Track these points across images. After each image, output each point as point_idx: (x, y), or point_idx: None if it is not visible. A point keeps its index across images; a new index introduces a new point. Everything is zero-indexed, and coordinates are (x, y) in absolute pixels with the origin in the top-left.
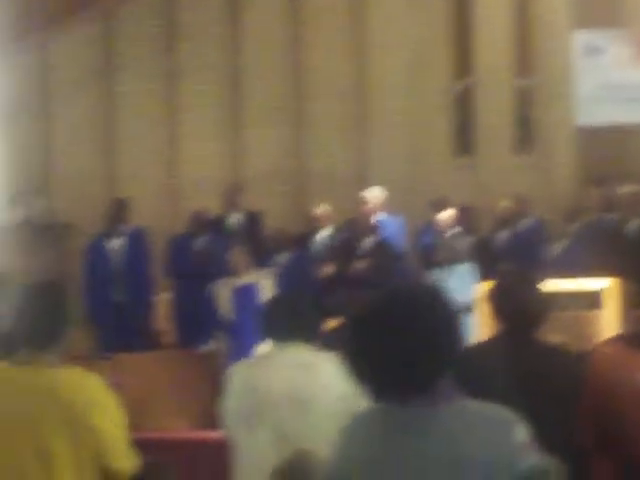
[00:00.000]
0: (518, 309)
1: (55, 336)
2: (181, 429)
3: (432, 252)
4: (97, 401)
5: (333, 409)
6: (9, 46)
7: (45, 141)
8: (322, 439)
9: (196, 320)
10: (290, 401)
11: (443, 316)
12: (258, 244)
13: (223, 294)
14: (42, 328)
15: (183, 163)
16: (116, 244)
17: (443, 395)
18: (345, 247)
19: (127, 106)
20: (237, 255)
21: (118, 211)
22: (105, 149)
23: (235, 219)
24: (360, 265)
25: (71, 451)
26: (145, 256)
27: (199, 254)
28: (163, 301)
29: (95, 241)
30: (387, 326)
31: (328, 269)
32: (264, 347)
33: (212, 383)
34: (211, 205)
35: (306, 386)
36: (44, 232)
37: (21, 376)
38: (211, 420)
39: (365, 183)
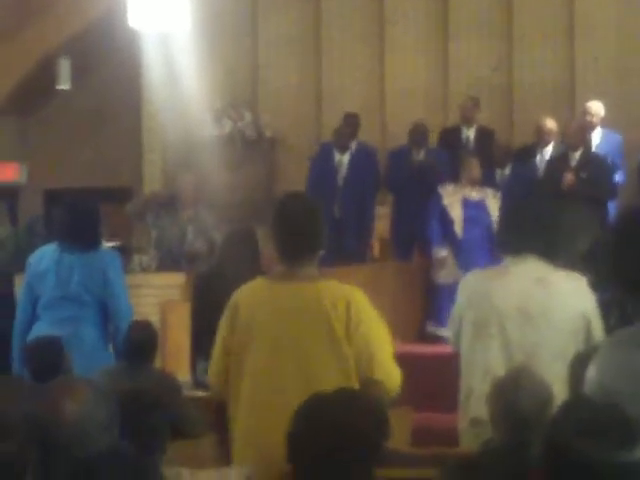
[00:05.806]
0: None
1: (312, 249)
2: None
3: None
4: (362, 314)
5: (566, 326)
6: None
7: (252, 56)
8: (551, 355)
9: (414, 233)
10: (522, 314)
11: None
12: (487, 160)
13: (454, 207)
14: (299, 242)
15: (390, 77)
16: (344, 159)
17: None
18: (559, 160)
19: (333, 21)
20: (473, 166)
21: (350, 125)
22: (311, 64)
23: (467, 133)
24: (569, 178)
25: (332, 360)
26: (371, 171)
27: (419, 167)
28: (382, 215)
29: (323, 154)
30: None
31: (569, 177)
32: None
33: (426, 296)
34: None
35: (540, 301)
36: (251, 146)
37: (283, 290)
38: (423, 335)
39: (573, 97)
